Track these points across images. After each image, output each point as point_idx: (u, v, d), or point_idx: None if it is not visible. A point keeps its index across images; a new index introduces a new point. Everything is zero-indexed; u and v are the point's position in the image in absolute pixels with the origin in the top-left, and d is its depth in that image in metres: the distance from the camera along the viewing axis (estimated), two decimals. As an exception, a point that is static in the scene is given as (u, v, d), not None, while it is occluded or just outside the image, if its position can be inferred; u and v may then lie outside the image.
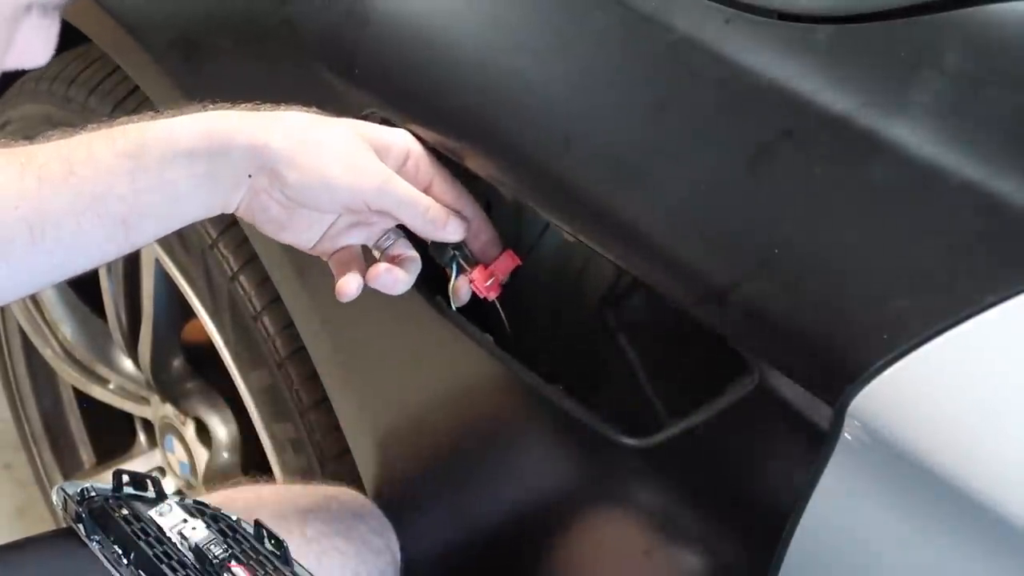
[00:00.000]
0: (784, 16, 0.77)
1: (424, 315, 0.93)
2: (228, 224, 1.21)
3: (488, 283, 0.88)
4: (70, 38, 1.32)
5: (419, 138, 0.89)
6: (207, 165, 0.82)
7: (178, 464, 1.59)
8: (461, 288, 0.90)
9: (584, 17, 0.85)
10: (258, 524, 0.90)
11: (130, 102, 1.30)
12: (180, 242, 1.27)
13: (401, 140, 0.88)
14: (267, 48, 1.03)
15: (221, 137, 0.82)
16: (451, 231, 0.87)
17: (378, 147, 0.86)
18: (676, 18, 0.80)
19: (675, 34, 0.80)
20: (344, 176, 0.83)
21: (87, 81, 1.35)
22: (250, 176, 0.83)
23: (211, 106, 0.86)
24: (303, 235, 0.88)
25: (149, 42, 1.14)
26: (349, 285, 0.87)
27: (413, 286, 0.92)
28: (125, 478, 0.93)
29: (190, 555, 0.86)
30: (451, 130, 0.89)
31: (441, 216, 0.86)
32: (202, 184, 0.83)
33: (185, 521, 0.89)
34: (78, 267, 0.86)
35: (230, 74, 1.09)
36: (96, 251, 0.85)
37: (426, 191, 0.88)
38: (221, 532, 0.89)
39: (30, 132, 1.45)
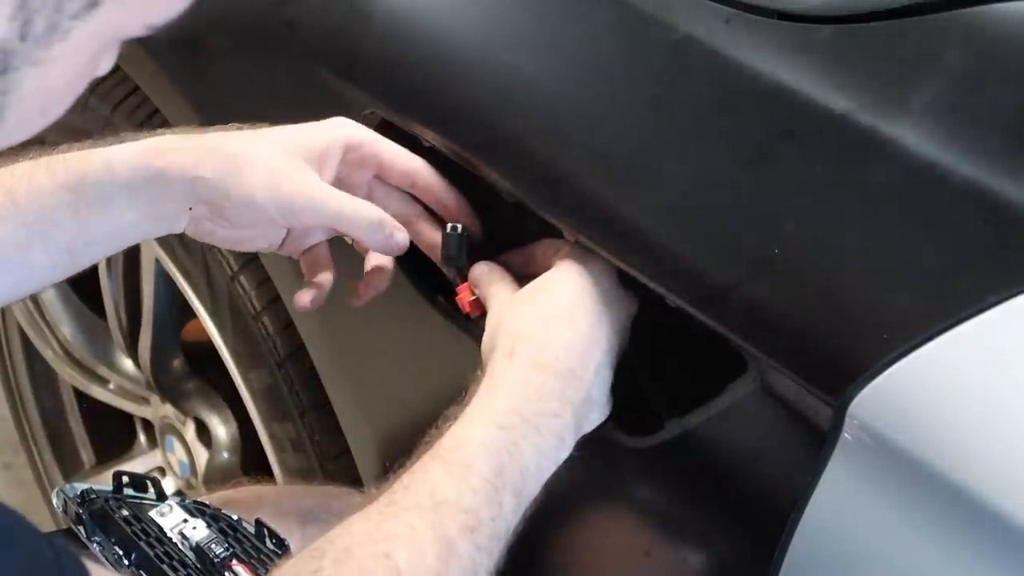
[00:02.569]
0: (784, 16, 0.77)
1: (424, 315, 0.93)
2: (228, 224, 1.21)
3: (472, 299, 0.86)
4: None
5: (394, 129, 0.88)
6: (148, 197, 0.83)
7: (178, 464, 1.59)
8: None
9: (585, 16, 0.85)
10: (259, 523, 0.90)
11: (130, 102, 1.30)
12: (180, 242, 1.27)
13: (333, 136, 0.86)
14: (268, 48, 1.03)
15: (157, 172, 0.83)
16: (397, 241, 0.85)
17: (309, 153, 0.84)
18: (677, 17, 0.80)
19: (676, 33, 0.80)
20: (272, 199, 0.82)
21: (87, 81, 1.35)
22: (191, 208, 0.84)
23: (148, 134, 0.87)
24: (261, 244, 0.89)
25: (150, 42, 1.14)
26: (302, 298, 0.88)
27: (413, 286, 0.93)
28: (125, 479, 0.93)
29: (191, 555, 0.86)
30: (451, 129, 0.88)
31: (384, 226, 0.84)
32: (144, 215, 0.84)
33: (186, 521, 0.89)
34: (25, 291, 0.89)
35: (231, 74, 1.09)
36: (42, 275, 0.86)
37: (377, 175, 0.88)
38: (222, 531, 0.89)
39: (30, 132, 1.46)
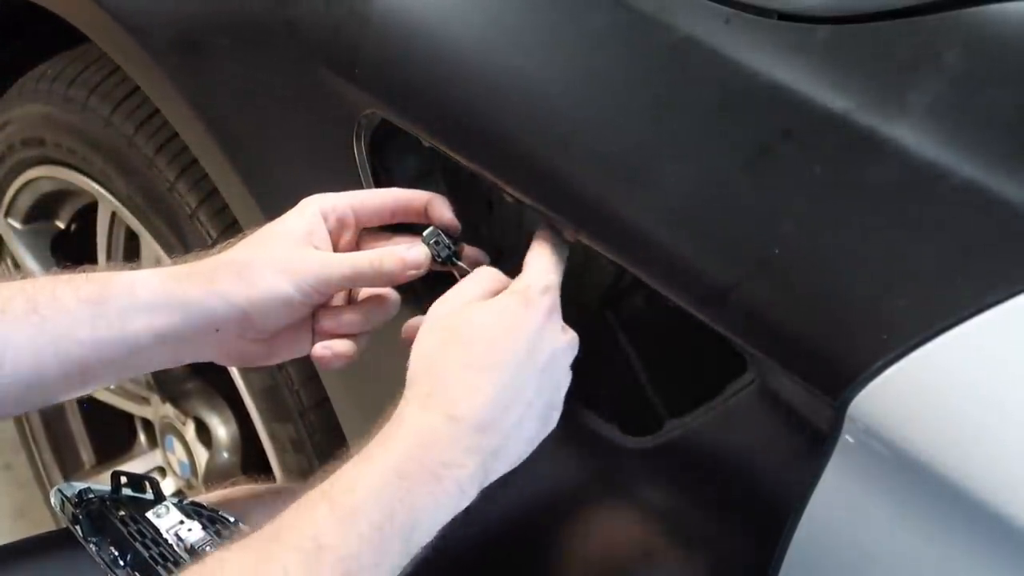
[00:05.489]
0: (784, 16, 0.77)
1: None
2: (229, 224, 1.21)
3: None
4: (70, 38, 1.32)
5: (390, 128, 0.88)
6: (167, 319, 0.84)
7: (178, 464, 1.59)
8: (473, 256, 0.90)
9: (584, 17, 0.85)
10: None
11: (130, 102, 1.30)
12: (181, 242, 1.27)
13: (310, 212, 0.87)
14: (268, 48, 1.03)
15: (178, 296, 0.84)
16: (414, 258, 0.86)
17: (299, 236, 0.86)
18: (676, 18, 0.80)
19: (675, 34, 0.80)
20: (291, 282, 0.84)
21: (87, 81, 1.35)
22: (218, 330, 0.85)
23: (169, 261, 0.89)
24: (304, 345, 0.89)
25: (149, 42, 1.14)
26: (321, 352, 0.87)
27: (414, 286, 0.92)
28: (123, 479, 0.93)
29: (186, 556, 0.86)
30: (451, 130, 0.88)
31: (393, 254, 0.85)
32: (163, 337, 0.85)
33: (182, 522, 0.89)
34: (33, 403, 0.88)
35: (230, 74, 1.09)
36: (52, 389, 0.86)
37: (361, 227, 0.89)
38: (218, 533, 0.89)
39: (30, 132, 1.46)
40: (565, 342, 0.80)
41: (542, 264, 0.82)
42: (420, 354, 0.79)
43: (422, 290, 0.92)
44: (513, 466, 0.78)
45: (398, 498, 0.72)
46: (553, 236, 0.84)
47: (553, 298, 0.80)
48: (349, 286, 0.88)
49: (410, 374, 0.79)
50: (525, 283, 0.81)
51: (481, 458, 0.75)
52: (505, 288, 0.82)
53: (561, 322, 0.80)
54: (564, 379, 0.81)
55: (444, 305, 0.81)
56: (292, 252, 0.85)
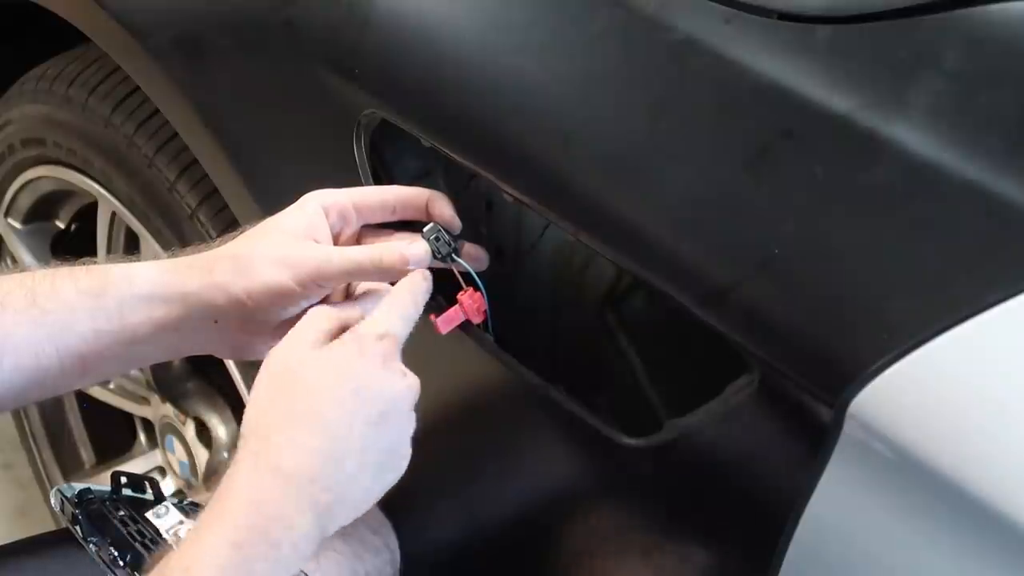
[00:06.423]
0: (784, 16, 0.77)
1: (424, 315, 0.93)
2: (229, 224, 1.21)
3: (476, 307, 0.87)
4: (70, 38, 1.32)
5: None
6: (165, 311, 0.85)
7: (178, 464, 1.59)
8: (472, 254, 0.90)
9: (584, 17, 0.85)
10: None
11: (130, 102, 1.30)
12: (181, 242, 1.27)
13: (311, 207, 0.87)
14: (267, 48, 1.03)
15: (175, 287, 0.85)
16: (414, 253, 0.85)
17: (300, 230, 0.86)
18: (676, 18, 0.80)
19: (675, 34, 0.80)
20: (289, 274, 0.84)
21: (87, 81, 1.35)
22: (216, 322, 0.85)
23: (168, 254, 0.89)
24: None
25: (149, 42, 1.14)
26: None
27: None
28: (123, 480, 0.93)
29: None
30: (451, 130, 0.88)
31: (392, 250, 0.85)
32: (162, 329, 0.85)
33: (182, 523, 0.89)
34: (36, 396, 0.88)
35: (231, 74, 1.09)
36: (54, 381, 0.86)
37: (363, 222, 0.89)
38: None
39: (30, 132, 1.46)
40: (404, 387, 0.79)
41: (390, 309, 0.82)
42: (252, 408, 0.77)
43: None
44: (352, 518, 0.77)
45: (236, 569, 0.70)
46: (416, 282, 0.84)
47: (390, 344, 0.79)
48: (348, 280, 0.87)
49: (243, 429, 0.77)
50: (364, 330, 0.79)
51: (315, 515, 0.74)
52: (343, 327, 0.80)
53: (400, 367, 0.79)
54: (407, 424, 0.79)
55: (279, 352, 0.79)
56: (292, 245, 0.85)
